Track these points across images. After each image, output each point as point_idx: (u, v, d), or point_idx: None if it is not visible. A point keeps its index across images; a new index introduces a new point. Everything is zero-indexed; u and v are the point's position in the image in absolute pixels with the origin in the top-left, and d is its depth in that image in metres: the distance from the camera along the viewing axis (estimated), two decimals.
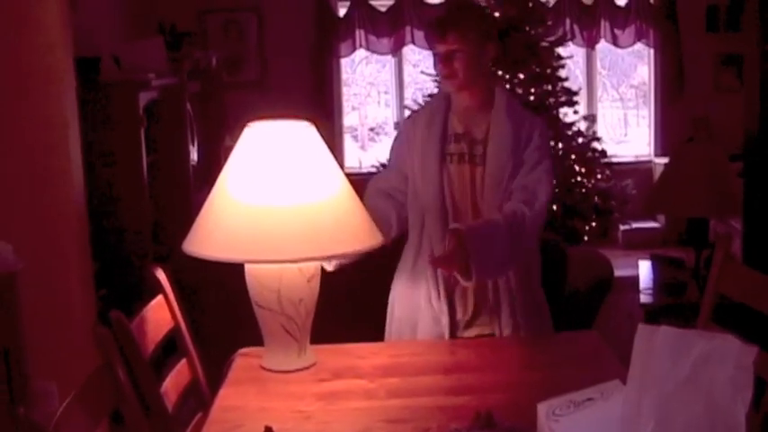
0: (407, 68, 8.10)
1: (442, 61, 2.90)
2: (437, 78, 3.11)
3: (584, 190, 6.72)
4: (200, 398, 2.73)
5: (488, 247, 2.70)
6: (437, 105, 3.06)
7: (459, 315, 2.97)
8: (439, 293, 2.96)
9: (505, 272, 2.88)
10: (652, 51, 8.12)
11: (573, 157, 6.77)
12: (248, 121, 2.55)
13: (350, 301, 3.33)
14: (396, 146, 3.17)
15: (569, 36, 7.65)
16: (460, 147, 2.97)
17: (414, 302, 3.02)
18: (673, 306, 4.69)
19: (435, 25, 2.93)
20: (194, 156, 5.69)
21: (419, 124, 3.05)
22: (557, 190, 6.48)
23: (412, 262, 3.02)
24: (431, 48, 3.01)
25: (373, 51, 7.93)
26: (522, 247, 2.83)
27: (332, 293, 2.63)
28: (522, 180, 2.89)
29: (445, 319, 2.95)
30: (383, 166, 6.04)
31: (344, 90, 8.13)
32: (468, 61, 2.90)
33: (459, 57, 2.88)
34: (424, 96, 6.47)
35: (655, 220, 7.80)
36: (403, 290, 3.08)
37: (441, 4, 7.35)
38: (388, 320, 3.13)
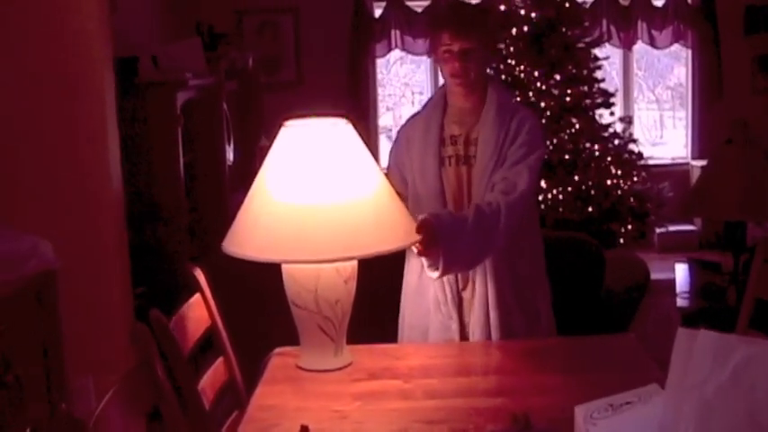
0: None
1: (457, 59, 2.85)
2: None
3: (620, 192, 6.68)
4: (236, 396, 2.75)
5: (455, 239, 2.68)
6: (433, 108, 3.03)
7: (467, 319, 2.94)
8: (447, 298, 2.94)
9: (475, 265, 2.84)
10: (689, 52, 8.04)
11: (609, 159, 6.74)
12: (284, 121, 2.55)
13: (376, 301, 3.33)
14: (394, 151, 3.12)
15: (606, 37, 7.61)
16: (456, 149, 2.95)
17: (423, 308, 3.00)
18: (710, 310, 4.65)
19: (456, 23, 2.87)
20: (230, 155, 5.73)
21: (417, 128, 3.03)
22: (592, 192, 6.47)
23: (419, 267, 2.97)
24: (437, 46, 2.90)
25: (409, 52, 7.93)
26: (495, 239, 2.77)
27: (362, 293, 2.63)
28: (504, 173, 2.86)
29: (455, 325, 2.94)
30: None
31: (379, 90, 8.14)
32: (481, 61, 2.91)
33: (474, 56, 2.86)
34: None
35: (691, 223, 7.73)
36: (412, 296, 3.05)
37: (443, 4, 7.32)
38: (399, 327, 3.11)
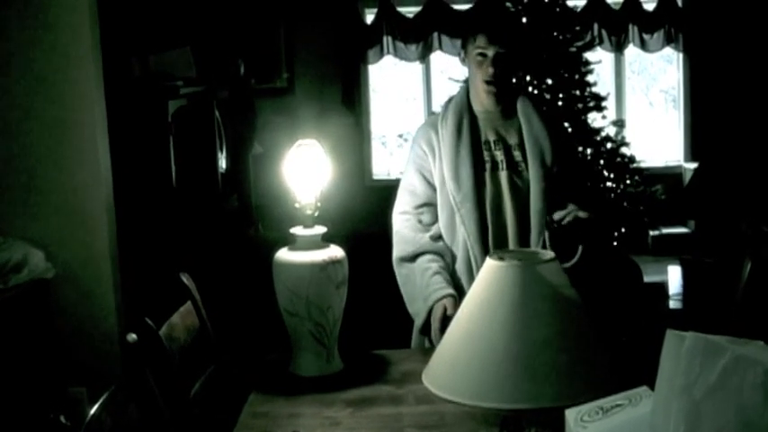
0: (435, 75, 8.09)
1: (492, 64, 2.83)
2: (471, 82, 3.00)
3: (613, 195, 6.68)
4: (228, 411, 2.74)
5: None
6: (459, 111, 2.96)
7: None
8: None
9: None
10: (681, 55, 8.07)
11: (602, 162, 6.74)
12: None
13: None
14: (414, 159, 3.01)
15: (597, 41, 7.62)
16: (492, 154, 2.92)
17: None
18: (702, 312, 4.67)
19: (494, 26, 2.85)
20: (223, 163, 5.71)
21: (444, 133, 2.94)
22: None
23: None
24: (470, 48, 2.87)
25: (401, 58, 7.93)
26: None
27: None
28: (572, 181, 2.95)
29: None
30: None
31: (372, 97, 8.14)
32: (513, 65, 2.90)
33: (507, 60, 2.85)
34: None
35: (685, 225, 7.74)
36: None
37: (475, 8, 7.38)
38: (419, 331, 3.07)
